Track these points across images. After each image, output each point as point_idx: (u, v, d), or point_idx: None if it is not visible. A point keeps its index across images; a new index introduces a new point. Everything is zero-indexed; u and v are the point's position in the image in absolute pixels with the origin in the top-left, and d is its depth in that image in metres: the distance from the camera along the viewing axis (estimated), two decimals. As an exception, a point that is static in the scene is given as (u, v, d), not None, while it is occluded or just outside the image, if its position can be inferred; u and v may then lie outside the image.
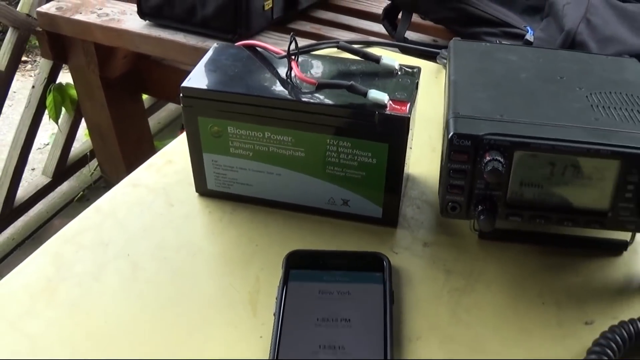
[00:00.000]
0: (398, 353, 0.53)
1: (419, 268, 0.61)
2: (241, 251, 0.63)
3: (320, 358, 0.51)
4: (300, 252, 0.60)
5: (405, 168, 0.62)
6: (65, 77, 1.74)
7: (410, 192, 0.68)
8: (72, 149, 1.88)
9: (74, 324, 0.56)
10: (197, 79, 0.63)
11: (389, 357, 0.51)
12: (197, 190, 0.68)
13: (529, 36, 1.11)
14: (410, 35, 1.25)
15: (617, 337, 0.52)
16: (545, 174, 0.54)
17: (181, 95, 0.62)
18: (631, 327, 0.53)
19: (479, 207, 0.55)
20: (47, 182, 1.82)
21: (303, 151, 0.61)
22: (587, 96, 0.60)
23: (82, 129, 1.88)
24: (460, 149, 0.53)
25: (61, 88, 1.70)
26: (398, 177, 0.61)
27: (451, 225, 0.65)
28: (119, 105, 1.62)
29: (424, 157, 0.70)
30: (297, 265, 0.58)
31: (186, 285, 0.60)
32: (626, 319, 0.54)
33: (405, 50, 0.97)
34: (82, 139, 2.01)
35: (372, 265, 0.58)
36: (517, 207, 0.56)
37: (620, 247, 0.63)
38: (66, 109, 1.73)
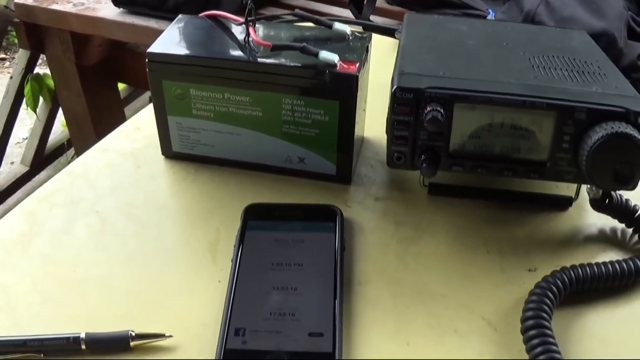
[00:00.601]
0: (347, 294, 0.57)
1: (370, 220, 0.65)
2: (203, 207, 0.66)
3: (274, 297, 0.55)
4: (257, 205, 0.63)
5: (360, 131, 0.66)
6: (43, 69, 1.77)
7: (364, 153, 0.72)
8: (50, 138, 1.91)
9: (45, 273, 0.60)
10: (162, 45, 0.66)
11: (337, 297, 0.55)
12: (163, 153, 0.72)
13: (490, 17, 1.15)
14: (375, 19, 1.29)
15: (558, 281, 0.55)
16: (484, 126, 0.58)
17: (146, 60, 0.65)
18: (572, 273, 0.56)
19: (422, 156, 0.59)
20: (25, 171, 1.84)
21: (260, 111, 0.65)
22: (529, 59, 0.64)
23: (60, 120, 1.91)
24: (403, 102, 0.57)
25: (38, 78, 1.73)
26: (349, 135, 0.64)
27: (402, 182, 0.69)
28: (95, 93, 1.65)
29: (378, 121, 0.73)
30: (255, 216, 0.62)
31: (150, 237, 0.63)
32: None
33: (367, 29, 1.01)
34: (60, 129, 2.04)
35: (325, 217, 0.62)
36: (459, 158, 0.59)
37: (565, 203, 0.66)
38: (44, 98, 1.75)
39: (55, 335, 0.54)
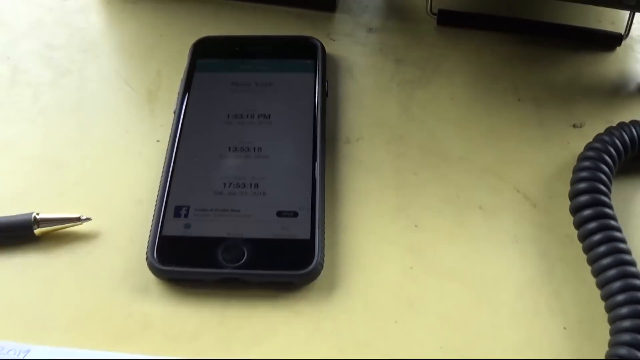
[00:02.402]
0: (331, 156, 0.42)
1: (361, 57, 0.49)
2: (142, 44, 0.50)
3: (230, 162, 0.39)
4: (211, 39, 0.48)
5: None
6: None
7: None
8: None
9: None
10: None
11: (318, 160, 0.40)
12: (94, -21, 0.55)
13: None
14: None
15: (617, 141, 0.41)
16: None
17: None
18: (633, 130, 0.41)
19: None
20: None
21: None
22: None
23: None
24: None
25: None
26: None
27: (404, 9, 0.53)
28: None
29: None
30: (207, 54, 0.47)
31: (72, 87, 0.48)
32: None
33: None
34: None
35: (301, 52, 0.47)
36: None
37: (613, 41, 0.51)
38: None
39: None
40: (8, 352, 0.34)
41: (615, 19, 0.52)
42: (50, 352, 0.34)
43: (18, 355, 0.34)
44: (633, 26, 0.50)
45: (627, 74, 0.50)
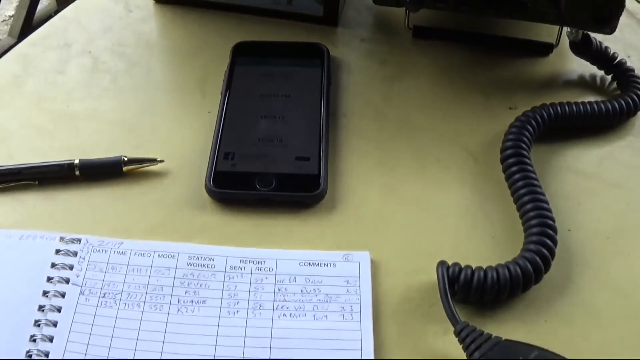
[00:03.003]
0: (333, 124, 0.59)
1: (355, 59, 0.66)
2: (191, 46, 0.68)
3: (262, 125, 0.57)
4: (246, 43, 0.65)
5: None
6: None
7: (352, -1, 0.73)
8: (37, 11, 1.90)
9: (39, 109, 0.61)
10: None
11: (323, 126, 0.57)
12: (153, -3, 0.73)
13: None
14: None
15: (537, 115, 0.57)
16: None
17: None
18: (550, 109, 0.58)
19: (408, -8, 0.60)
20: (13, 42, 1.83)
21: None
22: None
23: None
24: None
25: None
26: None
27: (388, 25, 0.70)
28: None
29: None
30: (243, 53, 0.64)
31: (141, 74, 0.65)
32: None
33: None
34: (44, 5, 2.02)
35: (312, 54, 0.64)
36: (443, -5, 0.60)
37: (546, 49, 0.68)
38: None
39: (49, 162, 0.55)
40: (107, 243, 0.50)
41: (552, 32, 0.68)
42: (138, 244, 0.50)
43: (114, 246, 0.50)
44: (563, 38, 0.66)
45: (557, 73, 0.66)
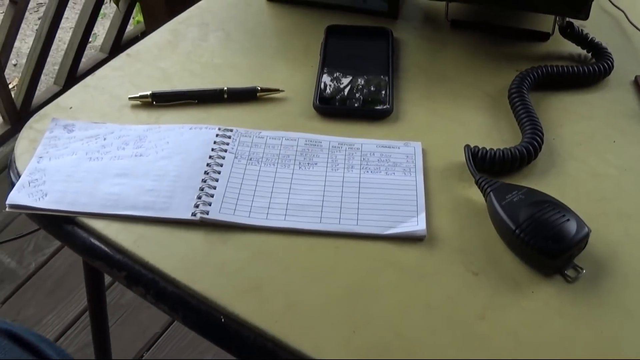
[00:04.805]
0: (396, 75, 0.87)
1: (410, 39, 0.95)
2: (294, 28, 0.96)
3: (348, 72, 0.85)
4: (336, 25, 0.93)
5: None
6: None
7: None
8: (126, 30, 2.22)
9: (191, 61, 0.90)
10: None
11: (390, 74, 0.86)
12: (265, -4, 1.02)
13: None
14: None
15: (534, 70, 0.84)
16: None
17: None
18: (544, 68, 0.84)
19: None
20: (104, 57, 2.15)
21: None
22: None
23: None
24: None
25: (121, -25, 2.04)
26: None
27: (433, 19, 0.99)
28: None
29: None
30: (334, 32, 0.92)
31: (262, 44, 0.94)
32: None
33: None
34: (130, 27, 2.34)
35: (382, 34, 0.92)
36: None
37: (546, 36, 0.94)
38: (124, -6, 2.06)
39: (206, 88, 0.84)
40: (250, 132, 0.79)
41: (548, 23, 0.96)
42: (271, 133, 0.79)
43: (256, 133, 0.78)
44: (557, 29, 0.94)
45: (552, 53, 0.93)
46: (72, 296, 1.67)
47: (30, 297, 1.68)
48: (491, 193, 0.67)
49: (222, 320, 0.62)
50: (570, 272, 0.63)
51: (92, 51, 2.39)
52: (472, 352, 0.58)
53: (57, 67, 2.13)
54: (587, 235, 0.63)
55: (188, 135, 0.77)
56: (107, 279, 1.33)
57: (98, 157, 0.75)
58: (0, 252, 1.79)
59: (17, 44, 1.89)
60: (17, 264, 1.76)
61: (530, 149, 0.73)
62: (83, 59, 2.11)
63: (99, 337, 1.16)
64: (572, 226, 0.62)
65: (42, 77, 2.05)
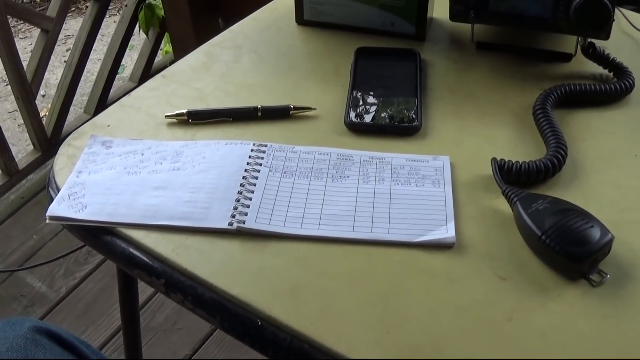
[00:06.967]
0: (424, 94, 0.91)
1: (437, 61, 0.98)
2: (325, 50, 1.00)
3: (378, 92, 0.89)
4: (365, 47, 0.97)
5: (431, 6, 0.99)
6: None
7: (433, 24, 1.06)
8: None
9: (225, 82, 0.94)
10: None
11: (419, 93, 0.89)
12: (296, 21, 1.06)
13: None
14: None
15: (558, 88, 0.87)
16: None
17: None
18: (567, 86, 0.87)
19: (471, 12, 0.92)
20: (133, 86, 2.20)
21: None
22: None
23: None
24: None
25: (150, 6, 2.09)
26: (425, 5, 0.98)
27: (459, 40, 1.02)
28: (199, 19, 2.00)
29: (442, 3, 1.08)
30: (363, 54, 0.96)
31: (294, 65, 0.98)
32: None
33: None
34: (158, 56, 2.40)
35: (410, 55, 0.95)
36: (496, 14, 0.93)
37: (568, 57, 0.97)
38: (153, 25, 2.11)
39: (240, 106, 0.88)
40: (284, 147, 0.82)
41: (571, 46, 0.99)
42: (304, 148, 0.82)
43: (289, 148, 0.82)
44: (579, 51, 0.97)
45: (574, 73, 0.96)
46: (103, 320, 1.70)
47: (61, 321, 1.71)
48: (518, 202, 0.69)
49: (259, 323, 0.64)
50: (594, 277, 0.65)
51: (120, 82, 2.45)
52: (501, 352, 0.60)
53: (85, 98, 2.19)
54: (610, 241, 0.65)
55: (224, 150, 0.80)
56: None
57: (136, 171, 0.78)
58: (31, 277, 1.82)
59: (45, 75, 1.93)
60: (47, 288, 1.80)
61: (554, 161, 0.76)
62: (112, 88, 2.15)
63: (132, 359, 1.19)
64: (595, 232, 0.64)
65: (71, 107, 2.10)
